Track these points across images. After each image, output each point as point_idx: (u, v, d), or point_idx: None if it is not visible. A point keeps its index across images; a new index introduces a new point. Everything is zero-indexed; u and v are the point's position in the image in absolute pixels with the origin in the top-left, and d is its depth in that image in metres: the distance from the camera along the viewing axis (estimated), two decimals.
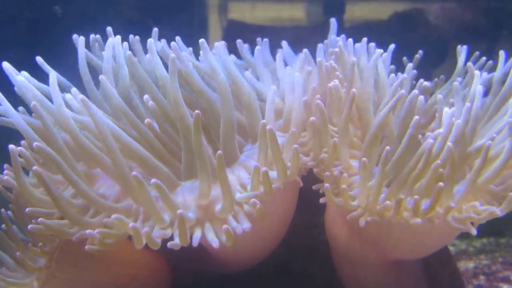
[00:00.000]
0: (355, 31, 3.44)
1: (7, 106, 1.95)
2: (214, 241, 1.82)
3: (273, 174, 1.89)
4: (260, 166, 1.86)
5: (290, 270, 2.42)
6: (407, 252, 2.11)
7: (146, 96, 2.17)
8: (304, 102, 1.99)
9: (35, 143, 1.85)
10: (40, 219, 1.85)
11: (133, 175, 1.79)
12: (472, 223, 1.83)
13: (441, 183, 1.77)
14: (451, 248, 3.38)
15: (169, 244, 1.81)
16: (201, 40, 2.14)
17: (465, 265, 3.18)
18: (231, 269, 2.30)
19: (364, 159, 1.84)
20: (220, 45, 2.26)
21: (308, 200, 1.96)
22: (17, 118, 1.94)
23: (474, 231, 1.81)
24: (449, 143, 1.82)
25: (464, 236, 3.54)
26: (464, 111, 1.92)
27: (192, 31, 3.28)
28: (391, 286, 2.21)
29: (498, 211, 1.82)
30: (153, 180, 1.80)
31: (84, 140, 1.94)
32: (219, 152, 1.80)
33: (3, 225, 2.14)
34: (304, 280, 2.41)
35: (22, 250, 2.06)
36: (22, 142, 2.05)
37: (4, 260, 2.16)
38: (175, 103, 2.01)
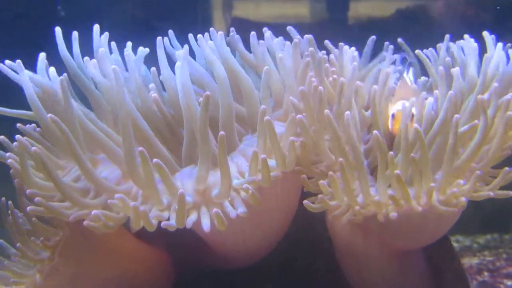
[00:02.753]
0: (359, 28, 3.45)
1: (24, 78, 1.97)
2: (205, 226, 1.82)
3: (272, 163, 1.89)
4: (259, 152, 1.87)
5: (293, 266, 2.42)
6: (406, 241, 2.11)
7: (152, 85, 2.26)
8: (301, 92, 1.98)
9: (49, 115, 1.87)
10: (37, 199, 1.86)
11: (139, 150, 1.80)
12: None
13: (397, 171, 1.78)
14: (455, 245, 3.38)
15: (163, 224, 1.82)
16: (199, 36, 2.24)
17: (469, 261, 3.18)
18: (234, 264, 2.30)
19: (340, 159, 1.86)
20: (219, 36, 2.26)
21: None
22: (30, 91, 1.96)
23: (463, 203, 1.82)
24: (415, 125, 1.84)
25: (468, 232, 3.55)
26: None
27: (196, 28, 3.27)
28: (394, 280, 2.22)
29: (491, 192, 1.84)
30: (154, 160, 1.81)
31: (88, 123, 1.98)
32: (221, 133, 1.81)
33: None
34: (308, 276, 2.41)
35: (25, 241, 2.07)
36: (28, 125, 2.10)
37: (8, 252, 2.17)
38: (184, 89, 2.04)
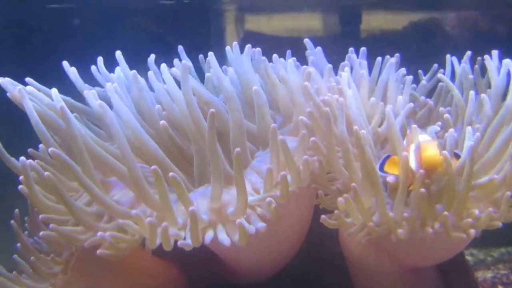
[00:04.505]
0: (372, 41, 3.45)
1: (30, 107, 1.95)
2: (225, 240, 1.81)
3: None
4: (273, 168, 1.86)
5: (307, 282, 2.41)
6: (419, 259, 2.11)
7: (158, 106, 2.23)
8: (309, 114, 1.97)
9: (50, 149, 1.86)
10: (52, 225, 1.86)
11: (152, 169, 1.79)
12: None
13: (422, 190, 1.77)
14: (469, 258, 3.36)
15: (179, 243, 1.81)
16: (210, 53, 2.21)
17: (483, 275, 3.15)
18: (248, 279, 2.30)
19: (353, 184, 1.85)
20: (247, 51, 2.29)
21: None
22: (36, 120, 1.94)
23: (472, 234, 1.81)
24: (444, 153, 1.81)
25: (482, 245, 3.52)
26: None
27: (209, 42, 3.29)
28: None
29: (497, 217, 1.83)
30: (171, 174, 1.80)
31: (98, 149, 1.97)
32: (237, 149, 1.80)
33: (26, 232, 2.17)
34: None
35: (38, 257, 2.08)
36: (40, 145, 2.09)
37: (21, 267, 2.18)
38: (189, 105, 2.05)
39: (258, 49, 2.28)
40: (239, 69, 2.26)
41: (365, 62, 2.32)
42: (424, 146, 1.81)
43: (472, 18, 3.44)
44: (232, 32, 3.58)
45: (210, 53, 2.21)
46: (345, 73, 2.17)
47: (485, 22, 3.43)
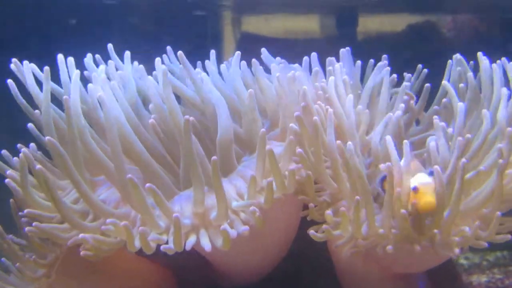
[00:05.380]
0: (368, 44, 3.45)
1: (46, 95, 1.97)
2: (206, 245, 1.82)
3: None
4: (257, 175, 1.86)
5: (297, 284, 2.41)
6: (407, 267, 2.11)
7: (151, 106, 2.24)
8: (296, 117, 1.96)
9: (47, 137, 1.89)
10: (34, 223, 1.87)
11: (128, 178, 1.80)
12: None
13: (403, 211, 1.77)
14: (464, 262, 3.35)
15: (162, 247, 1.82)
16: (179, 52, 2.22)
17: (478, 279, 3.15)
18: (237, 282, 2.30)
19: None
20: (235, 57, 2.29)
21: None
22: (49, 109, 1.97)
23: (457, 252, 1.83)
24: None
25: (478, 249, 3.52)
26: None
27: (205, 43, 3.28)
28: None
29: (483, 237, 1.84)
30: (147, 185, 1.81)
31: (93, 144, 1.97)
32: (213, 157, 1.81)
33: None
34: None
35: (23, 260, 2.07)
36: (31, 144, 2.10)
37: (9, 269, 2.17)
38: (171, 112, 2.05)
39: (238, 52, 2.29)
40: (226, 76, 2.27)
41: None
42: (422, 190, 1.81)
43: (469, 21, 3.44)
44: (229, 34, 3.58)
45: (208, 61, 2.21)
46: (330, 80, 2.16)
47: (482, 26, 3.44)
